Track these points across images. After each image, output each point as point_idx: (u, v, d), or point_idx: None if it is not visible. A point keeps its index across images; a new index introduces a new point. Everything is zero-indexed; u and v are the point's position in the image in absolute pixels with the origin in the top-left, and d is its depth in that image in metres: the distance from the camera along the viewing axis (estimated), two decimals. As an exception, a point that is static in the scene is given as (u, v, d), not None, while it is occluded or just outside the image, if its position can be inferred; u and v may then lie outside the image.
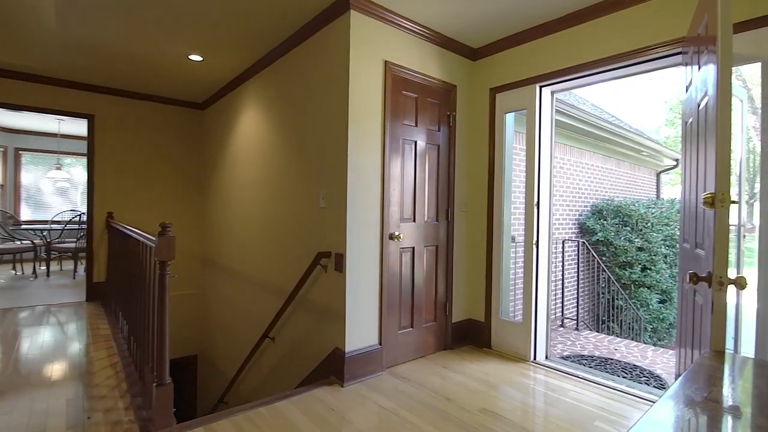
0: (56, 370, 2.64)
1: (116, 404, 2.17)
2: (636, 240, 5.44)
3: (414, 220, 2.91)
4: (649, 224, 5.53)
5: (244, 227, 3.97)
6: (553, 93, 2.99)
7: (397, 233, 2.74)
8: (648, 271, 5.46)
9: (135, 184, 4.73)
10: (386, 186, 2.68)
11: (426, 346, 3.00)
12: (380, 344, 2.66)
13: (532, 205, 2.91)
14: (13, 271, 6.05)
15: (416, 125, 2.92)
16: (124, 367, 2.65)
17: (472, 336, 3.24)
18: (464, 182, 3.28)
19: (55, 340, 3.18)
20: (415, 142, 2.92)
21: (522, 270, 3.01)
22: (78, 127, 6.69)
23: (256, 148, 3.75)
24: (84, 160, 7.76)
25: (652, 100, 20.22)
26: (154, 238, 1.96)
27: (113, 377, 2.51)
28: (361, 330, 2.57)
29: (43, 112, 4.41)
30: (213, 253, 4.74)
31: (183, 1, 2.62)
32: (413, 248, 2.90)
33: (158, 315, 1.92)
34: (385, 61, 2.69)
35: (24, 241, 6.02)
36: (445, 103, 3.12)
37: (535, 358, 2.90)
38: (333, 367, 2.54)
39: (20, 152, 7.25)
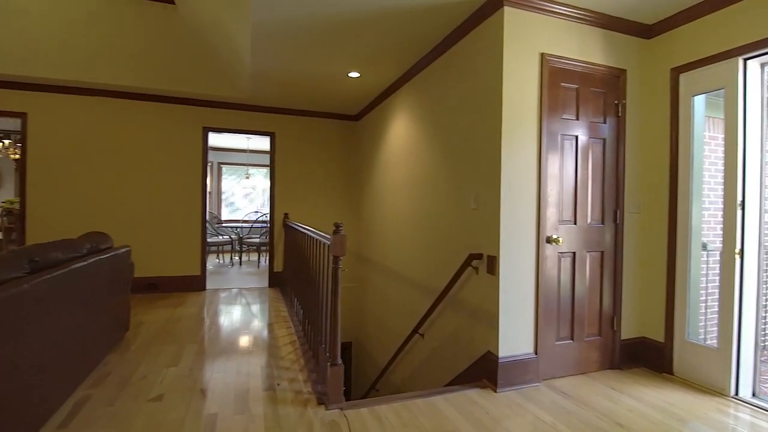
0: (251, 341, 3.23)
1: (297, 376, 2.55)
2: None
3: (575, 223, 2.67)
4: None
5: (395, 227, 4.22)
6: (763, 65, 2.40)
7: (555, 236, 2.56)
8: None
9: (304, 188, 5.48)
10: (543, 186, 2.53)
11: (588, 362, 2.72)
12: (536, 353, 2.52)
13: (733, 206, 2.38)
14: (217, 260, 7.64)
15: (577, 118, 2.68)
16: (301, 345, 3.09)
17: (647, 357, 2.80)
18: (637, 179, 2.87)
19: (248, 317, 3.90)
20: (576, 137, 2.68)
21: (717, 284, 2.48)
22: (261, 143, 8.08)
23: (407, 152, 3.95)
24: (263, 169, 9.34)
25: None
26: (328, 236, 2.24)
27: (293, 353, 2.95)
28: (515, 336, 2.47)
29: (238, 133, 5.48)
30: (367, 250, 5.17)
31: (348, 27, 2.93)
32: (574, 253, 2.66)
33: (332, 303, 2.19)
34: (541, 54, 2.54)
35: (224, 236, 7.55)
36: (611, 91, 2.79)
37: (737, 393, 2.36)
38: (485, 371, 2.51)
39: (221, 165, 9.12)
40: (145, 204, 4.78)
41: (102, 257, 2.55)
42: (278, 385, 2.41)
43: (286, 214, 5.33)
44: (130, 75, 4.40)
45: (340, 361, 2.18)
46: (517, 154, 2.48)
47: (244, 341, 3.23)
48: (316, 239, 2.76)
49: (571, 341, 2.66)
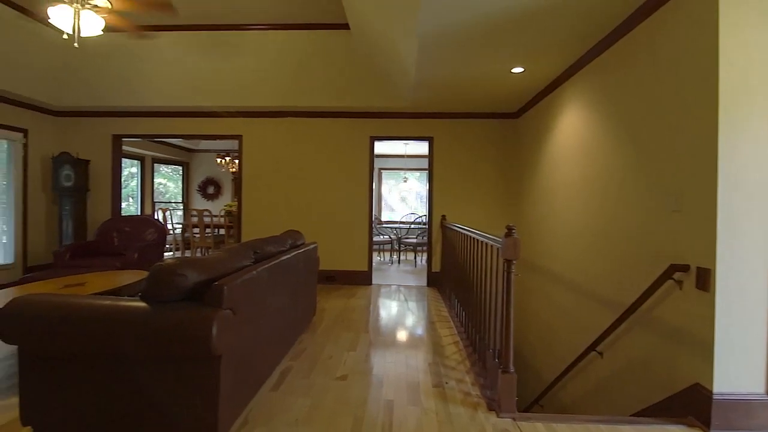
0: (416, 337, 3.38)
1: (464, 377, 2.56)
2: None
3: (837, 230, 2.00)
4: None
5: (564, 229, 3.88)
6: None
7: (803, 247, 1.96)
8: None
9: (461, 190, 5.50)
10: (783, 181, 1.97)
11: None
12: (770, 395, 1.97)
13: None
14: (378, 258, 8.28)
15: (840, 90, 2.00)
16: (465, 347, 3.10)
17: None
18: None
19: (411, 314, 4.10)
20: (839, 116, 2.00)
21: None
22: (417, 147, 8.44)
23: (578, 147, 3.59)
24: (417, 173, 9.73)
25: None
26: (499, 238, 2.19)
27: (457, 354, 2.98)
28: (736, 370, 1.98)
29: (399, 140, 5.83)
30: (530, 253, 4.88)
31: (514, 22, 2.82)
32: (835, 270, 1.99)
33: (504, 309, 2.13)
34: (779, 12, 1.98)
35: (384, 236, 8.13)
36: None
37: None
38: (692, 406, 2.08)
39: (381, 171, 9.87)
40: (324, 206, 5.51)
41: (299, 251, 3.04)
42: (446, 383, 2.47)
43: (443, 216, 5.44)
44: (315, 96, 5.14)
45: (512, 369, 2.11)
46: (744, 141, 1.98)
47: (410, 336, 3.41)
48: (483, 242, 2.73)
49: (829, 387, 2.00)
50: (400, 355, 2.95)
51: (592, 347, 2.98)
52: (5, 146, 5.30)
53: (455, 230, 4.09)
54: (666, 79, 2.40)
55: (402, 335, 3.43)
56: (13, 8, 4.41)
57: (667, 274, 2.22)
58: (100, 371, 1.77)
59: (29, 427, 1.87)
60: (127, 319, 1.72)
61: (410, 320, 3.89)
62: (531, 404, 4.17)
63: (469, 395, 2.32)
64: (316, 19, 4.86)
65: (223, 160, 8.69)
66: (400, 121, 5.53)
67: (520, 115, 5.33)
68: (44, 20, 4.50)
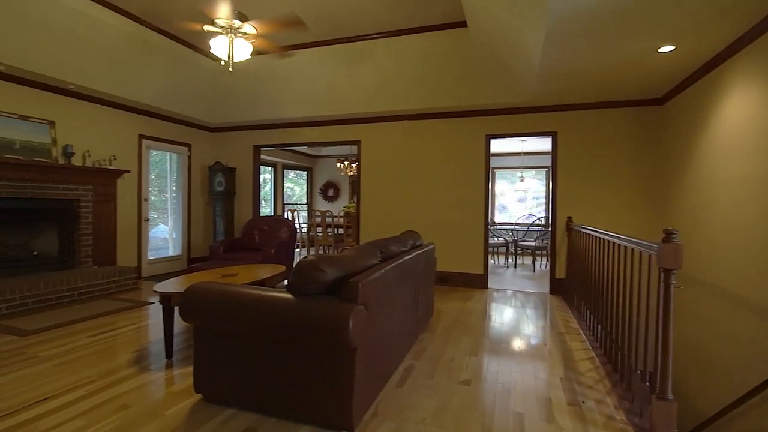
0: (543, 348, 3.13)
1: (604, 399, 2.29)
2: None
3: None
4: None
5: (728, 235, 3.22)
6: None
7: None
8: None
9: (590, 189, 4.96)
10: None
11: None
12: None
13: None
14: (492, 261, 7.96)
15: None
16: (602, 364, 2.77)
17: None
18: None
19: (535, 322, 3.82)
20: None
21: None
22: (535, 144, 7.91)
23: (753, 136, 2.95)
24: (533, 171, 9.12)
25: None
26: (653, 244, 1.90)
27: (593, 371, 2.68)
28: None
29: (518, 137, 5.53)
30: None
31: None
32: None
33: (662, 327, 1.85)
34: None
35: (498, 239, 7.79)
36: None
37: None
38: None
39: (494, 170, 9.49)
40: (439, 207, 5.50)
41: (420, 251, 3.06)
42: (583, 402, 2.23)
43: (569, 218, 4.98)
44: (429, 99, 5.16)
45: (671, 396, 1.81)
46: None
47: (536, 346, 3.18)
48: (628, 247, 2.41)
49: None
50: (527, 365, 2.77)
51: (778, 380, 2.41)
52: (175, 158, 6.45)
53: (587, 233, 3.71)
54: None
55: (527, 344, 3.22)
56: (181, 44, 5.32)
57: None
58: (256, 349, 2.01)
59: (200, 394, 2.21)
60: (277, 308, 1.92)
61: (534, 329, 3.63)
62: (683, 438, 3.56)
63: (612, 419, 2.06)
64: (430, 21, 4.86)
65: (342, 165, 9.29)
66: (519, 116, 5.23)
67: (666, 101, 4.60)
68: (203, 51, 5.34)
